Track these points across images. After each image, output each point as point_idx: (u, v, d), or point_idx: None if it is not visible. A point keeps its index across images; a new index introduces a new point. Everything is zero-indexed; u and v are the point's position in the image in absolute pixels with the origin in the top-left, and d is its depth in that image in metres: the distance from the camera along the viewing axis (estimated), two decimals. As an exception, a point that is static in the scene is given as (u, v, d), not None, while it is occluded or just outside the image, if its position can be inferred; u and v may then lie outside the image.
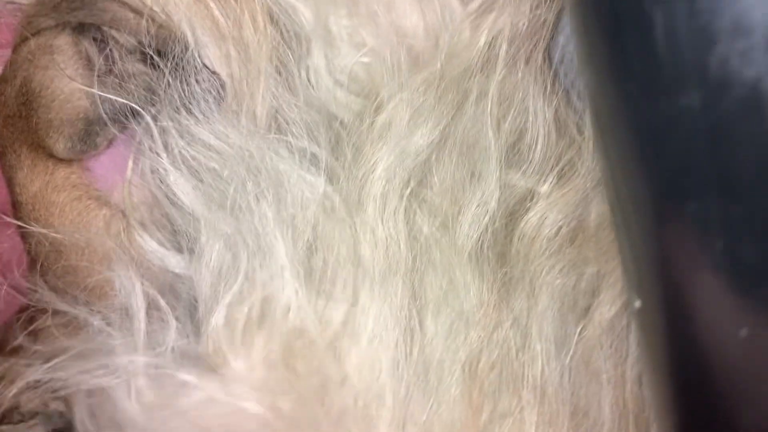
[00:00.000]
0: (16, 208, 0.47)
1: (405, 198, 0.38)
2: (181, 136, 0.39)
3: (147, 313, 0.40)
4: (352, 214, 0.38)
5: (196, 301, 0.40)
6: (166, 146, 0.40)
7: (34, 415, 0.53)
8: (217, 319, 0.37)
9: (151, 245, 0.41)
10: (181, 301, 0.41)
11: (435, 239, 0.39)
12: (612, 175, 0.29)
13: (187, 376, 0.35)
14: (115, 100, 0.41)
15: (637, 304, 0.29)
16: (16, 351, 0.53)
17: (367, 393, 0.36)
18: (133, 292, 0.38)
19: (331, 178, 0.39)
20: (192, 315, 0.41)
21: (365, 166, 0.39)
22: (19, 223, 0.45)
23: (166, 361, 0.36)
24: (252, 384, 0.35)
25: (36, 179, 0.44)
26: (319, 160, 0.39)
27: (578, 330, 0.43)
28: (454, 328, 0.38)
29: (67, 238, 0.45)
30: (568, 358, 0.42)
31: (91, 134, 0.43)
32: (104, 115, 0.42)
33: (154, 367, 0.36)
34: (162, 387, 0.36)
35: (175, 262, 0.40)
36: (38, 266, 0.48)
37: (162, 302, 0.38)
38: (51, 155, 0.43)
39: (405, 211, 0.38)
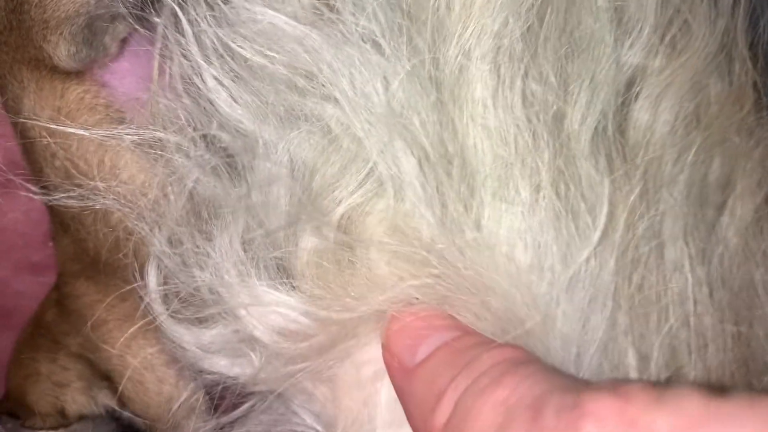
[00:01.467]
0: (26, 151, 0.40)
1: (519, 75, 0.30)
2: (218, 25, 0.31)
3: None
4: (450, 104, 0.30)
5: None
6: (198, 41, 0.32)
7: (77, 419, 0.47)
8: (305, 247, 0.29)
9: (191, 172, 0.33)
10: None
11: (550, 128, 0.31)
12: None
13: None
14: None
15: None
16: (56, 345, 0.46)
17: (506, 309, 0.28)
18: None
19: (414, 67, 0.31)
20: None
21: (457, 45, 0.31)
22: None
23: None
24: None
25: (45, 106, 0.36)
26: (395, 44, 0.31)
27: (719, 231, 0.35)
28: (588, 236, 0.30)
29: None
30: (713, 265, 0.34)
31: (96, 32, 0.34)
32: (110, 7, 0.34)
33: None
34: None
35: (225, 190, 0.33)
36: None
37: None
38: (56, 70, 0.35)
39: (520, 91, 0.30)
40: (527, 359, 0.25)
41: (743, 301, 0.33)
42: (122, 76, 0.37)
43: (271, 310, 0.29)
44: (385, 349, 0.29)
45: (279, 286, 0.30)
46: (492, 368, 0.25)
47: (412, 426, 0.27)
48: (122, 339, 0.38)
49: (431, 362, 0.27)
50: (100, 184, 0.33)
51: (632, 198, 0.32)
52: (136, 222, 0.32)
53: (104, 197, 0.33)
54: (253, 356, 0.32)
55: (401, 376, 0.28)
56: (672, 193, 0.34)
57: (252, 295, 0.29)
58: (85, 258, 0.40)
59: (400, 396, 0.28)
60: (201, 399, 0.39)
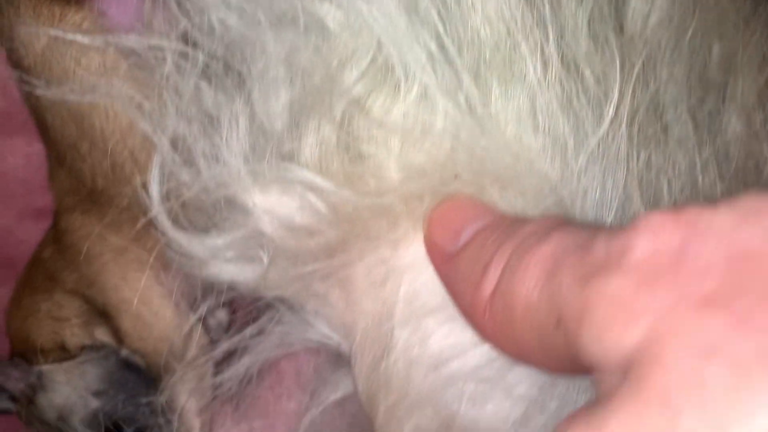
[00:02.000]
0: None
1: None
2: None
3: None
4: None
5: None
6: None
7: (80, 350, 0.46)
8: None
9: (190, 76, 0.33)
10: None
11: (551, 5, 0.31)
12: None
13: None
14: None
15: None
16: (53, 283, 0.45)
17: (528, 188, 0.28)
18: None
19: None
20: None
21: None
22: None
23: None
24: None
25: (42, 32, 0.36)
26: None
27: (722, 114, 0.35)
28: (601, 109, 0.30)
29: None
30: (718, 143, 0.34)
31: None
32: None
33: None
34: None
35: (225, 91, 0.32)
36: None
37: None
38: (54, -5, 0.35)
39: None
40: (572, 220, 0.24)
41: (751, 174, 0.33)
42: (120, 4, 0.37)
43: (281, 198, 0.29)
44: (427, 239, 0.29)
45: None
46: (537, 229, 0.23)
47: (460, 308, 0.26)
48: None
49: (475, 242, 0.26)
50: (101, 81, 0.33)
51: (635, 75, 0.32)
52: (139, 118, 0.32)
53: (106, 93, 0.33)
54: (263, 256, 0.32)
55: (445, 262, 0.27)
56: (672, 75, 0.34)
57: (260, 179, 0.29)
58: (82, 189, 0.39)
59: (445, 283, 0.27)
60: (199, 329, 0.38)
